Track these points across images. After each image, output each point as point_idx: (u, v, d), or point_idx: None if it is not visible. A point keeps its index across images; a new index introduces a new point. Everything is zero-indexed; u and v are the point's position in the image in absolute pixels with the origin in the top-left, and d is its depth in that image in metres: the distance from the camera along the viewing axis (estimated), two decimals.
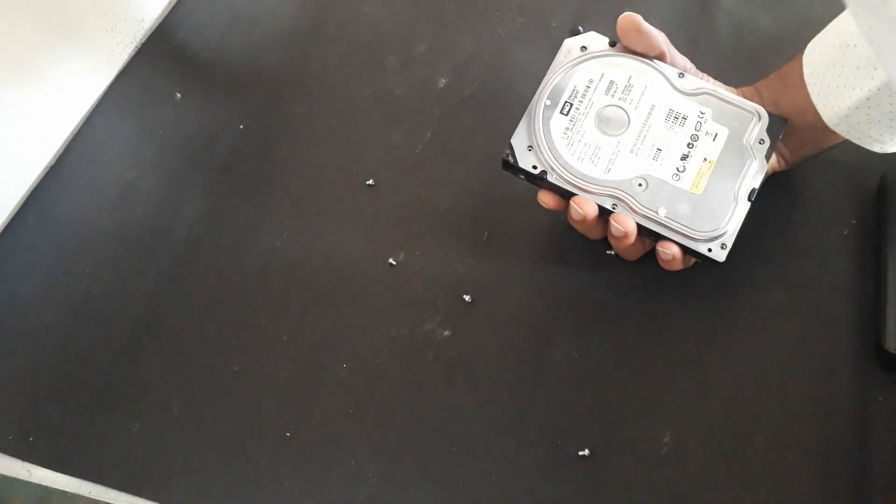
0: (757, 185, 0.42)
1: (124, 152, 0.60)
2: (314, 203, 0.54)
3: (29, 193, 0.59)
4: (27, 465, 0.46)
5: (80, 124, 0.62)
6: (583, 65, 0.44)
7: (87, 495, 0.45)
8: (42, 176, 0.60)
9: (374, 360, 0.47)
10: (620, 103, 0.43)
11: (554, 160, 0.43)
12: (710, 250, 0.41)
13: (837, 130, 0.41)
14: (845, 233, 0.48)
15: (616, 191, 0.42)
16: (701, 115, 0.42)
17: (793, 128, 0.43)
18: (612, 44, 0.44)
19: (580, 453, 0.43)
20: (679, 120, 0.42)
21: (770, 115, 0.42)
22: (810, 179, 0.50)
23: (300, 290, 0.50)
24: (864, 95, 0.38)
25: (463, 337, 0.48)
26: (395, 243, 0.51)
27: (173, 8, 0.69)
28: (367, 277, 0.50)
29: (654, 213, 0.41)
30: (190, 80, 0.64)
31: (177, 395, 0.47)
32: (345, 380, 0.46)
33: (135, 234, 0.55)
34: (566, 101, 0.43)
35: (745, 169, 0.41)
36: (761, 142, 0.42)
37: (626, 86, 0.43)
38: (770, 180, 0.47)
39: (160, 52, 0.66)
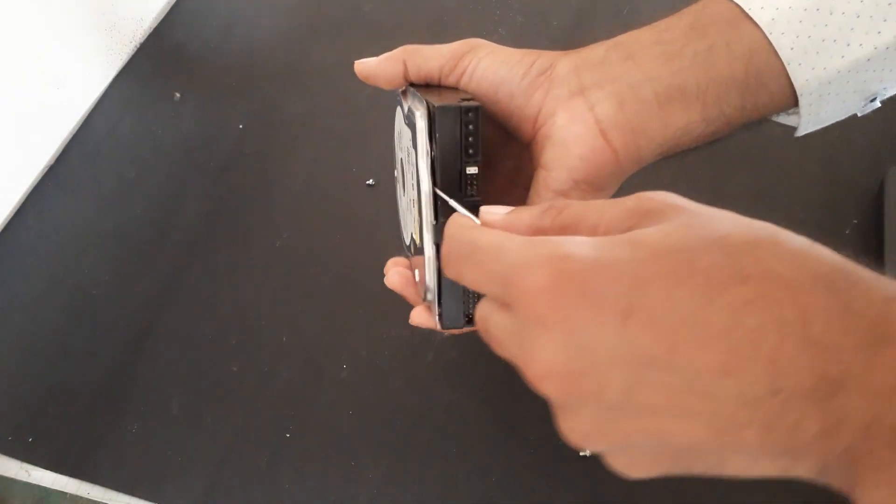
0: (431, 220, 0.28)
1: (124, 152, 0.60)
2: (314, 203, 0.54)
3: (28, 193, 0.59)
4: (26, 465, 0.46)
5: (80, 124, 0.62)
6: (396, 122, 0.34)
7: (87, 496, 0.45)
8: (42, 176, 0.60)
9: (375, 361, 0.47)
10: (402, 154, 0.32)
11: (403, 239, 0.35)
12: (440, 315, 0.30)
13: (803, 102, 0.29)
14: (846, 232, 0.48)
15: (412, 258, 0.33)
16: (411, 142, 0.28)
17: (681, 91, 0.29)
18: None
19: (580, 453, 0.43)
20: (409, 156, 0.30)
21: (430, 109, 0.26)
22: (811, 179, 0.50)
23: (300, 290, 0.50)
24: (865, 54, 0.28)
25: (463, 337, 0.48)
26: (396, 243, 0.51)
27: (173, 8, 0.69)
28: (367, 278, 0.50)
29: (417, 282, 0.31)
30: (189, 80, 0.64)
31: (176, 395, 0.47)
32: (345, 380, 0.46)
33: (134, 234, 0.55)
34: (396, 172, 0.36)
35: (426, 205, 0.28)
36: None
37: (398, 132, 0.32)
38: (780, 180, 0.46)
39: (160, 51, 0.66)
